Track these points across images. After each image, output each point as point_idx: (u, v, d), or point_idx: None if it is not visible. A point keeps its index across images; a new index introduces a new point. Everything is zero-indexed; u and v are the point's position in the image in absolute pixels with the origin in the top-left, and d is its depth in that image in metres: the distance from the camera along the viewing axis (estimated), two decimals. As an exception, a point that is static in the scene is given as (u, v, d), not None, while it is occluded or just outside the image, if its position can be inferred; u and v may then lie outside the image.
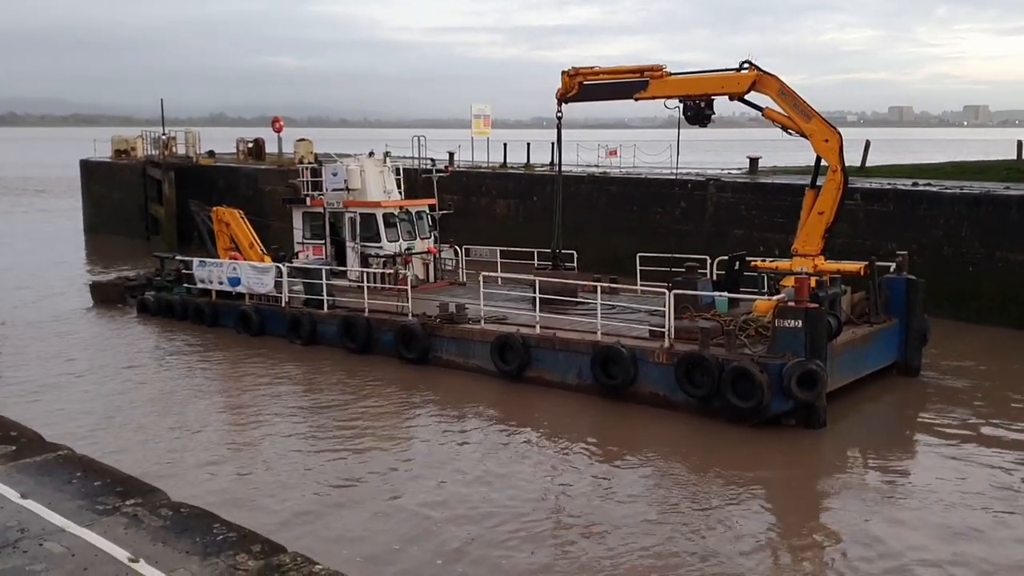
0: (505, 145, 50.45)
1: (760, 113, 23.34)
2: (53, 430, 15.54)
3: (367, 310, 26.12)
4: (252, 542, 9.74)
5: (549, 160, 44.02)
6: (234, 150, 60.46)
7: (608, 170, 44.55)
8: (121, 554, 9.47)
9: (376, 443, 18.93)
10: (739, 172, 42.09)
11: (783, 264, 23.14)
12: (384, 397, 22.19)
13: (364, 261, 29.83)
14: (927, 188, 31.73)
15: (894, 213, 30.95)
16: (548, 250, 27.68)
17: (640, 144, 51.55)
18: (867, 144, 40.12)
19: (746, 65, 22.92)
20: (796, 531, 15.04)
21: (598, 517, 15.20)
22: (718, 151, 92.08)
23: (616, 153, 51.57)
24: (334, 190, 31.05)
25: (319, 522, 14.90)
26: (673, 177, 36.00)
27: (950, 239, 29.55)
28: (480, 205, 44.41)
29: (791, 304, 19.42)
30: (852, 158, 39.66)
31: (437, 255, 31.23)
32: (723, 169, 44.51)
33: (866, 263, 22.60)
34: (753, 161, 41.70)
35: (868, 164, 40.19)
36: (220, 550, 9.55)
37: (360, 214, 30.34)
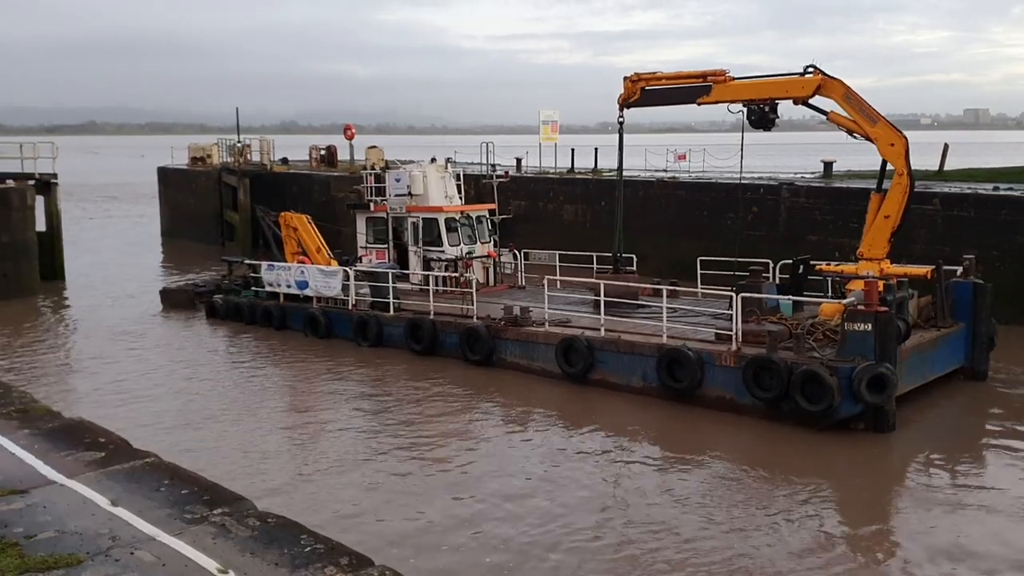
0: (573, 150, 49.36)
1: (825, 117, 22.59)
2: (132, 434, 15.26)
3: (432, 312, 25.75)
4: (340, 554, 9.33)
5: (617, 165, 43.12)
6: (307, 157, 60.17)
7: (677, 175, 43.26)
8: (211, 564, 9.12)
9: (445, 444, 18.53)
10: (813, 176, 40.30)
11: (848, 268, 22.37)
12: (451, 398, 21.80)
13: (426, 265, 29.51)
14: (1009, 192, 29.71)
15: (974, 218, 29.21)
16: (608, 254, 27.13)
17: (709, 148, 49.99)
18: (945, 147, 38.30)
19: (810, 69, 22.23)
20: (864, 540, 14.36)
21: (662, 521, 14.69)
22: (789, 155, 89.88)
23: (685, 157, 50.01)
24: (397, 195, 30.78)
25: (390, 528, 14.47)
26: (746, 182, 34.87)
27: None
28: (548, 210, 43.40)
29: (861, 307, 18.70)
30: (930, 162, 38.20)
31: (497, 259, 30.82)
32: (796, 173, 42.69)
33: (933, 267, 21.79)
34: (827, 165, 39.80)
35: (946, 168, 38.12)
36: (308, 562, 9.16)
37: (423, 219, 30.06)
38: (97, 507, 10.28)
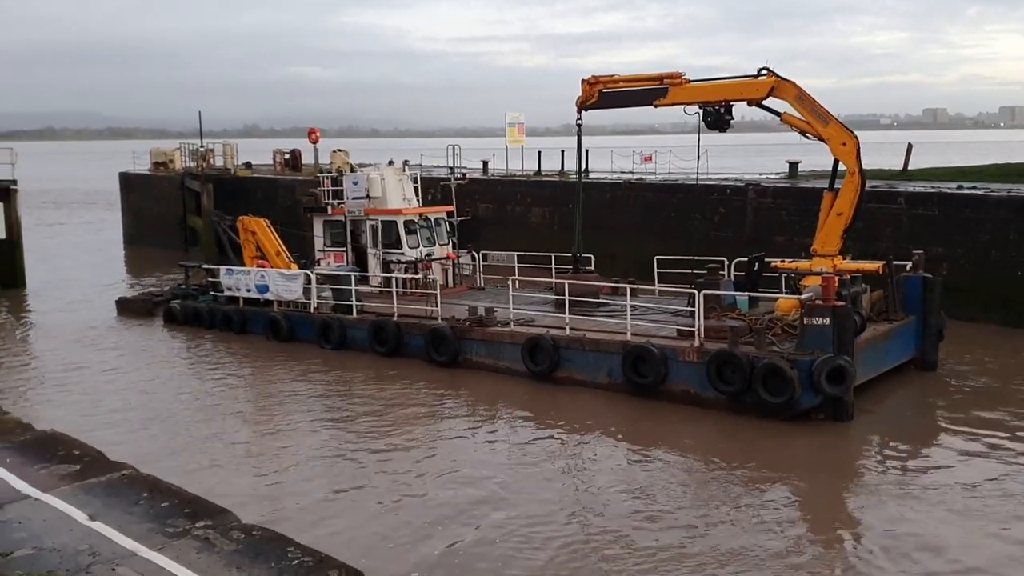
0: (539, 153, 48.16)
1: (779, 118, 22.47)
2: (104, 445, 14.44)
3: (396, 314, 25.18)
4: (329, 567, 8.86)
5: (584, 167, 42.08)
6: (270, 161, 58.35)
7: (644, 176, 42.36)
8: (196, 580, 8.59)
9: (419, 446, 18.01)
10: (778, 177, 39.60)
11: (803, 264, 22.32)
12: (420, 399, 21.29)
13: (386, 267, 28.93)
14: (972, 191, 29.32)
15: (939, 217, 28.69)
16: (567, 254, 26.79)
17: (675, 150, 49.00)
18: (909, 147, 37.86)
19: (764, 71, 22.09)
20: (825, 529, 14.32)
21: (628, 514, 14.46)
22: (754, 156, 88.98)
23: (651, 159, 49.08)
24: (355, 199, 30.16)
25: (361, 532, 13.95)
26: (712, 183, 34.14)
27: (997, 243, 27.32)
28: (515, 213, 42.25)
29: (819, 302, 18.61)
30: (894, 161, 37.59)
31: (456, 261, 30.34)
32: (761, 174, 41.94)
33: (884, 262, 21.80)
34: (793, 165, 39.14)
35: (909, 167, 37.53)
36: None
37: (381, 221, 29.49)
38: (75, 522, 9.70)
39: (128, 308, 32.64)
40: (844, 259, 22.17)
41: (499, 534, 13.75)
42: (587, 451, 17.69)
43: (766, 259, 23.29)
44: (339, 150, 51.29)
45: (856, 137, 21.47)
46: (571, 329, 21.89)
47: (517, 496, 15.24)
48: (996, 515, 14.43)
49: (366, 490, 15.62)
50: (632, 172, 45.60)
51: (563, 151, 46.22)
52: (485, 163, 48.67)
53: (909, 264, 22.75)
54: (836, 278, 19.27)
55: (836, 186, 22.25)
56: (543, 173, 46.82)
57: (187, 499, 10.29)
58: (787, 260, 23.08)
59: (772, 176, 40.36)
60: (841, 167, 22.06)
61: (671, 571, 12.64)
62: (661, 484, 15.80)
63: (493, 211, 42.48)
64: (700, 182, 32.02)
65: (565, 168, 46.74)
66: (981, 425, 18.78)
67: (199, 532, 9.45)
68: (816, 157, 44.48)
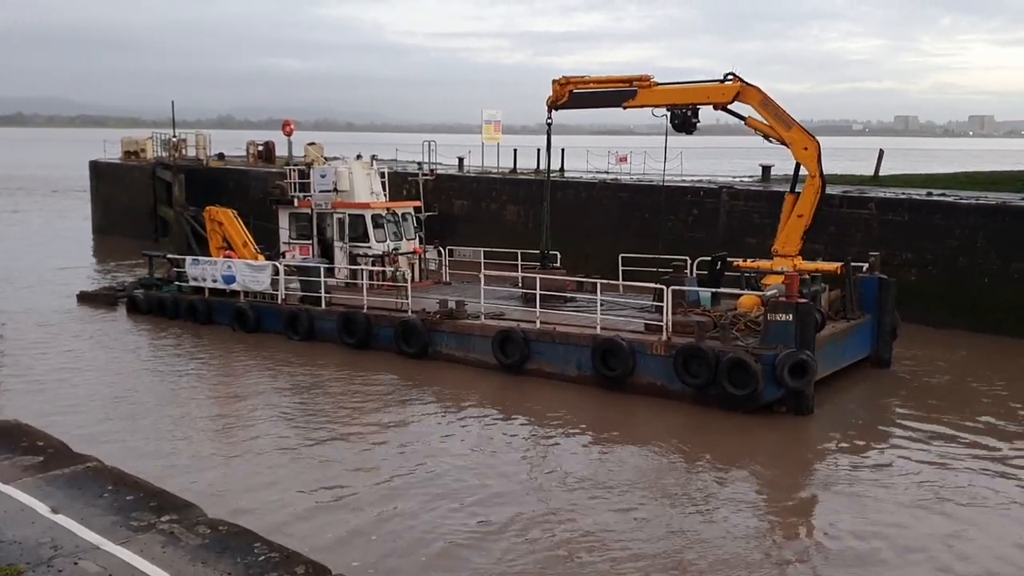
0: (515, 151, 47.06)
1: (743, 122, 22.28)
2: (67, 436, 13.67)
3: (366, 306, 24.62)
4: (296, 563, 8.41)
5: (559, 166, 41.14)
6: (243, 153, 56.89)
7: (619, 176, 41.60)
8: (160, 575, 8.10)
9: (389, 440, 17.46)
10: (751, 180, 39.08)
11: (764, 264, 22.22)
12: (389, 390, 20.75)
13: (352, 261, 28.37)
14: (942, 198, 28.86)
15: (908, 223, 28.15)
16: (534, 251, 26.45)
17: (650, 151, 48.18)
18: (880, 153, 37.49)
19: (730, 76, 21.94)
20: (786, 516, 14.30)
21: (595, 507, 14.16)
22: (725, 158, 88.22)
23: (627, 160, 48.15)
24: (322, 192, 29.52)
25: (327, 524, 13.41)
26: (686, 185, 33.61)
27: (965, 250, 26.89)
28: (490, 210, 41.21)
29: (782, 299, 18.48)
30: (865, 167, 37.06)
31: (422, 255, 29.83)
32: (735, 177, 41.37)
33: (842, 263, 21.75)
34: (765, 169, 38.58)
35: (880, 173, 37.09)
36: (263, 572, 8.24)
37: (349, 215, 28.90)
38: (37, 515, 9.14)
39: (90, 302, 31.62)
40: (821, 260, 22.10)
41: (465, 527, 13.34)
42: (556, 443, 17.38)
43: (730, 259, 23.16)
44: (313, 143, 50.23)
45: (817, 142, 21.41)
46: (541, 322, 21.58)
47: (485, 489, 14.83)
48: (942, 500, 14.67)
49: (334, 485, 15.03)
50: (607, 172, 44.84)
51: (539, 149, 44.72)
52: (461, 160, 47.88)
53: (866, 265, 22.70)
54: (798, 276, 19.16)
55: (797, 189, 22.16)
56: (519, 171, 45.99)
57: (152, 492, 9.75)
58: (749, 260, 22.93)
59: (745, 179, 39.94)
60: (803, 171, 21.94)
61: (634, 559, 12.38)
62: (628, 475, 15.57)
63: (468, 208, 41.62)
64: (667, 183, 31.50)
65: (541, 166, 45.93)
66: (931, 420, 18.84)
67: (164, 526, 8.94)
68: (789, 162, 44.05)
